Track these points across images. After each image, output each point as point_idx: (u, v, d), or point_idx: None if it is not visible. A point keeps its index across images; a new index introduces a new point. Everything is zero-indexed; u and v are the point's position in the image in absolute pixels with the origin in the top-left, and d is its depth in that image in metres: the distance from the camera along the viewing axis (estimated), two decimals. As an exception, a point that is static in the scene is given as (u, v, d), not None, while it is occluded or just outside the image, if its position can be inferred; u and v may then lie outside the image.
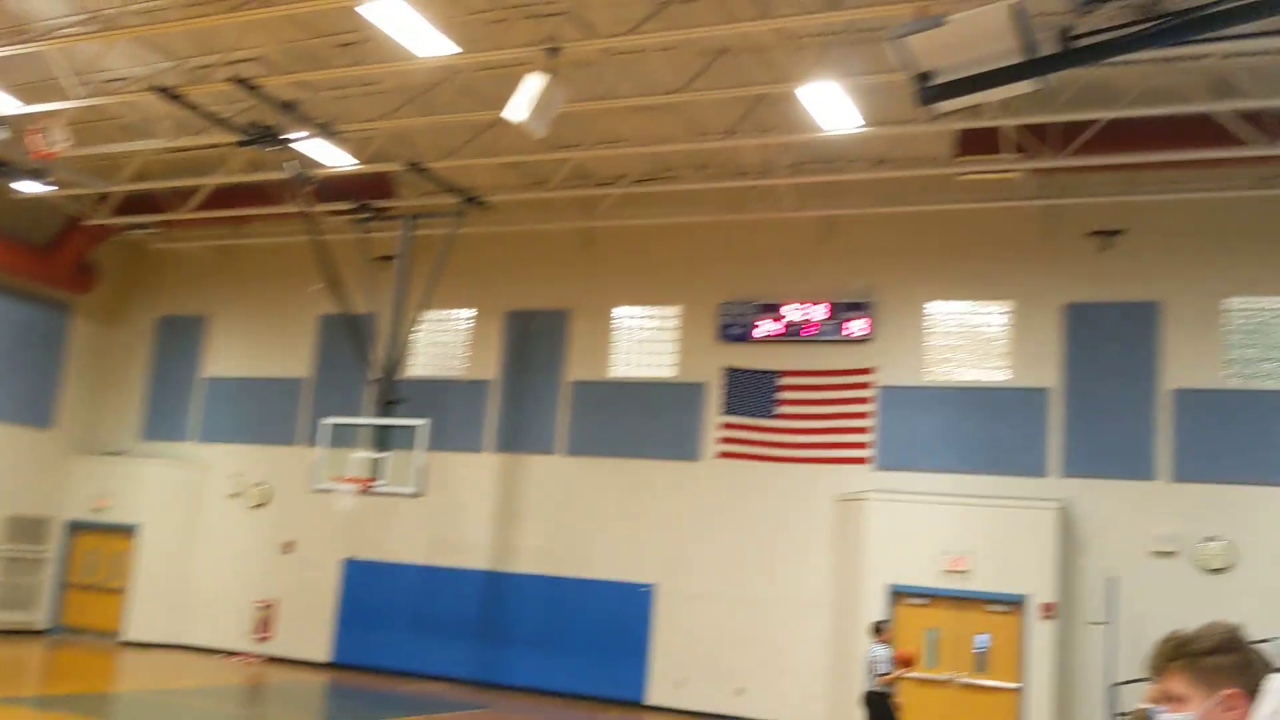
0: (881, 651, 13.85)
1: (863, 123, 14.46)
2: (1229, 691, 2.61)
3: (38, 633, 22.74)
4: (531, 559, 20.16)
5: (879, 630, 14.23)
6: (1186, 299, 16.85)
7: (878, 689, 13.74)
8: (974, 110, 13.31)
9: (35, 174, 18.22)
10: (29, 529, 22.87)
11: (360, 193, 19.07)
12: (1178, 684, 2.63)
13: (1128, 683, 15.29)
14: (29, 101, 15.95)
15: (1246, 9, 6.86)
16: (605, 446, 20.05)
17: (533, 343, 20.99)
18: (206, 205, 20.51)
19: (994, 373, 17.92)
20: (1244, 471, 16.10)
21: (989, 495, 16.93)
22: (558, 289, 20.94)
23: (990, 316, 18.15)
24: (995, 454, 17.42)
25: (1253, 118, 14.14)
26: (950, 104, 7.12)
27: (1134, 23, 8.73)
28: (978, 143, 15.67)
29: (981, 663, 16.34)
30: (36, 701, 15.16)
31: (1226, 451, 16.25)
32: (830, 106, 13.88)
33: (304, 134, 16.18)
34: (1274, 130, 14.10)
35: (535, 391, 20.77)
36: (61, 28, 14.35)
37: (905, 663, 14.31)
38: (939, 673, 16.47)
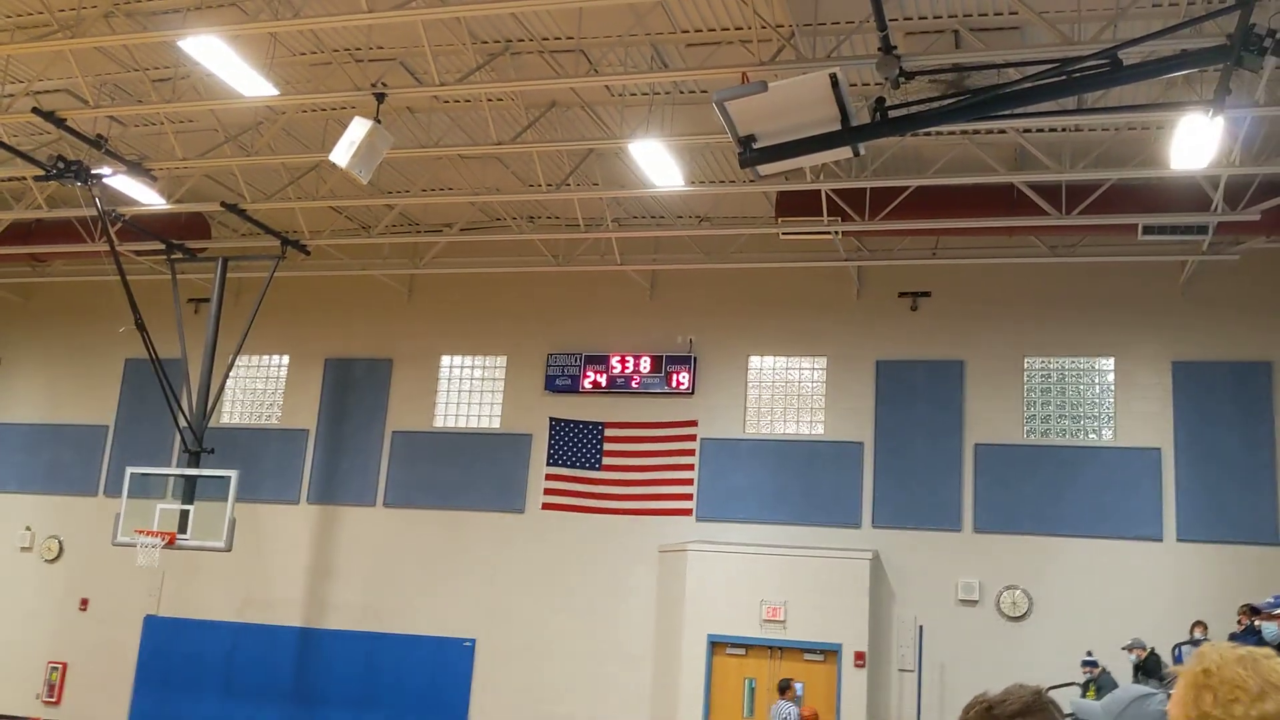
0: (790, 710, 14.21)
1: (686, 182, 14.80)
2: None
3: None
4: (348, 615, 19.52)
5: (784, 690, 14.57)
6: (988, 358, 17.78)
7: None
8: (794, 173, 13.81)
9: None
10: None
11: (174, 232, 18.32)
12: None
13: (935, 728, 15.84)
14: None
15: (1043, 89, 7.35)
16: (428, 498, 19.68)
17: (353, 391, 20.50)
18: (3, 240, 19.31)
19: (810, 426, 18.46)
20: (1039, 523, 17.01)
21: (805, 546, 17.35)
22: (381, 336, 20.55)
23: (807, 371, 18.72)
24: (811, 505, 17.89)
25: (1047, 190, 15.12)
26: (771, 167, 7.36)
27: (942, 97, 9.24)
28: (797, 204, 16.24)
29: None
30: None
31: (1023, 504, 17.14)
32: (656, 164, 14.15)
33: (112, 170, 15.46)
34: (1067, 202, 15.11)
35: (355, 441, 20.25)
36: None
37: None
38: (757, 722, 16.68)
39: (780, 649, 16.74)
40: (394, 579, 19.46)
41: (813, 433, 18.39)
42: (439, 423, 20.08)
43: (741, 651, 16.90)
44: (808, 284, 18.54)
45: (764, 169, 7.25)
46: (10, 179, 16.90)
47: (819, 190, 15.54)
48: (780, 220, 16.53)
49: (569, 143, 14.53)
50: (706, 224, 17.49)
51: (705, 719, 16.70)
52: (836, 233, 16.56)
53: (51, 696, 20.08)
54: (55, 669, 20.28)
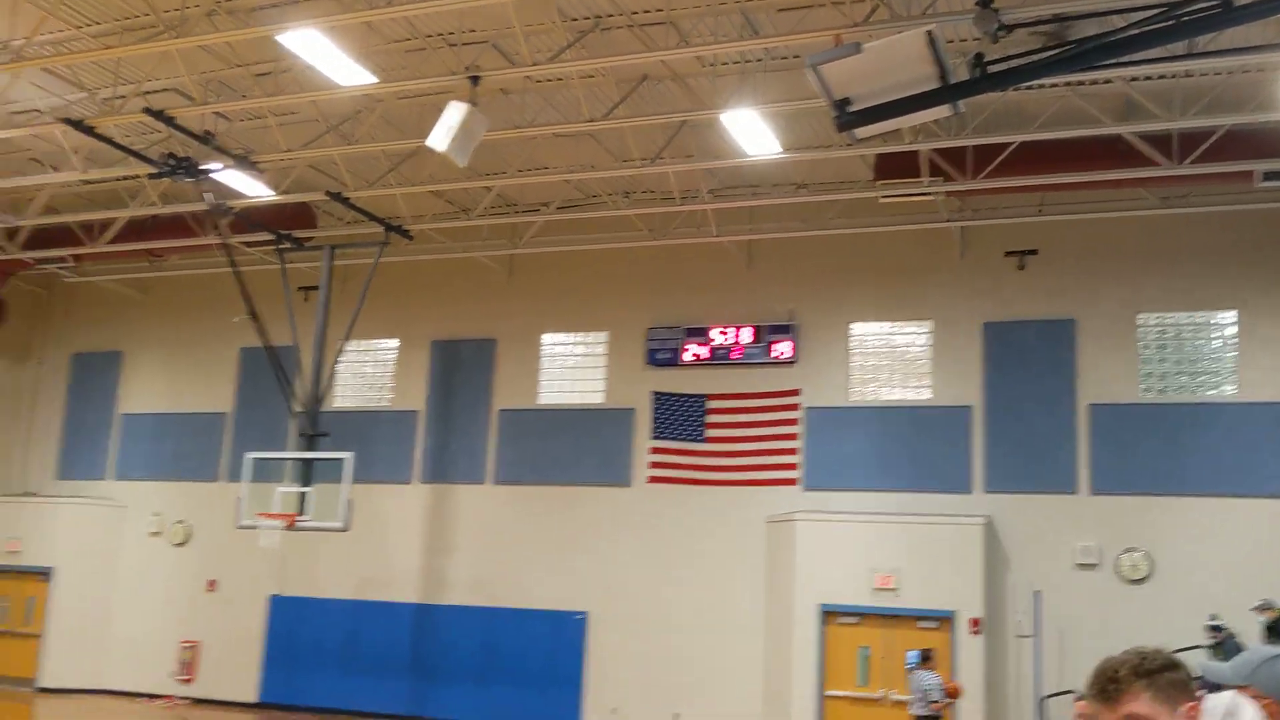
0: (932, 680, 14.25)
1: (781, 149, 14.65)
2: (1190, 705, 2.66)
3: (-53, 683, 21.94)
4: (462, 590, 19.93)
5: (926, 658, 14.51)
6: (1100, 315, 17.28)
7: (929, 714, 14.13)
8: (892, 134, 13.56)
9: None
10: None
11: (281, 223, 18.81)
12: (1141, 704, 2.64)
13: (1056, 695, 15.56)
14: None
15: (1151, 36, 7.08)
16: (535, 474, 19.95)
17: (459, 372, 20.85)
18: (121, 238, 20.05)
19: (917, 392, 18.20)
20: (1159, 483, 16.52)
21: (915, 513, 17.14)
22: (484, 317, 20.84)
23: (912, 336, 18.44)
24: (920, 472, 17.66)
25: (1157, 139, 14.59)
26: (868, 129, 7.23)
27: (1043, 49, 8.96)
28: (896, 166, 15.96)
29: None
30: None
31: (1142, 464, 16.66)
32: (750, 132, 14.03)
33: (220, 165, 15.93)
34: (1178, 151, 14.56)
35: (463, 421, 20.61)
36: (-34, 59, 13.98)
37: (953, 694, 14.71)
38: (871, 690, 16.59)
39: (893, 617, 16.61)
40: (506, 554, 19.80)
41: (919, 398, 18.13)
42: (543, 400, 20.31)
43: (854, 620, 16.81)
44: (909, 247, 18.24)
45: (861, 132, 7.14)
46: (125, 178, 17.50)
47: (918, 151, 15.25)
48: (879, 183, 16.27)
49: (661, 116, 14.48)
50: (803, 191, 17.29)
51: (819, 688, 16.68)
52: (938, 193, 16.24)
53: (186, 675, 20.94)
54: (188, 648, 21.14)
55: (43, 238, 20.80)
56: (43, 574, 22.00)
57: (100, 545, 22.28)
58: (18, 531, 22.35)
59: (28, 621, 21.94)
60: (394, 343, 21.49)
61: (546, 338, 20.54)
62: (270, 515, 16.80)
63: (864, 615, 16.78)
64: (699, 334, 19.25)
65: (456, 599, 19.91)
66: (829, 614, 16.88)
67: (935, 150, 15.25)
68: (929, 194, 16.11)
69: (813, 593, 16.96)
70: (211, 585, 21.50)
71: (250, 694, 20.67)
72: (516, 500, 19.99)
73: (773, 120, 14.02)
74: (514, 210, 18.81)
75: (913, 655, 14.87)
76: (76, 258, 21.37)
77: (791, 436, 18.47)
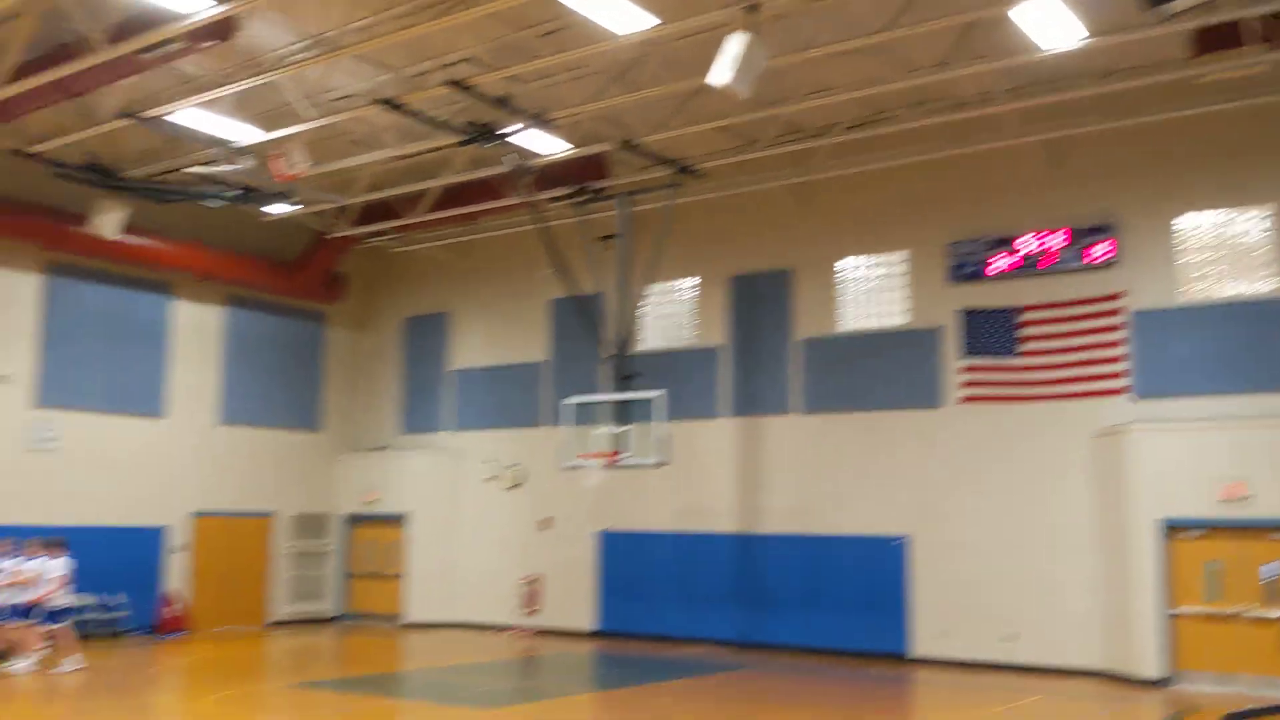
0: None
1: (1086, 35, 13.63)
2: None
3: (328, 620, 24.60)
4: (779, 519, 20.20)
5: None
6: None
7: None
8: (1208, 4, 12.32)
9: (281, 196, 19.51)
10: (312, 525, 24.74)
11: (577, 176, 19.49)
12: None
13: None
14: (268, 129, 17.09)
15: None
16: (842, 401, 19.83)
17: (759, 305, 20.97)
18: (437, 206, 21.46)
19: (1258, 284, 16.62)
20: None
21: (1263, 415, 15.75)
22: (779, 248, 20.83)
23: (1248, 224, 16.82)
24: (1266, 371, 16.17)
25: None
26: (1182, 1, 6.61)
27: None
28: (1216, 39, 14.48)
29: (1271, 593, 15.26)
30: (335, 684, 16.39)
31: None
32: (1048, 22, 13.15)
33: (518, 126, 16.68)
34: None
35: (765, 353, 20.75)
36: (289, 56, 15.28)
37: None
38: (1223, 607, 15.51)
39: (1245, 529, 15.40)
40: (819, 482, 19.86)
41: (1261, 291, 16.55)
42: (844, 326, 20.09)
43: (1199, 534, 15.73)
44: (1239, 127, 16.58)
45: (1174, 5, 6.54)
46: (435, 149, 18.64)
47: (1240, 19, 13.76)
48: (1198, 60, 14.83)
49: (948, 18, 13.79)
50: (1110, 80, 16.03)
51: (1163, 606, 15.76)
52: (1269, 64, 14.62)
53: (530, 607, 22.47)
54: (530, 583, 22.66)
55: (370, 213, 22.59)
56: (400, 520, 24.20)
57: (445, 491, 24.24)
58: (376, 483, 24.68)
59: (391, 564, 24.24)
60: (693, 281, 21.88)
61: (843, 263, 20.26)
62: (591, 455, 17.63)
63: (1211, 528, 15.66)
64: (1004, 244, 18.40)
65: (774, 528, 20.21)
66: (1172, 528, 15.87)
67: (1262, 15, 13.70)
68: (1257, 65, 14.54)
69: (1152, 507, 15.99)
70: (545, 523, 22.89)
71: (589, 623, 21.94)
72: (824, 429, 19.96)
73: (1071, 6, 13.07)
74: (801, 137, 18.55)
75: (1270, 569, 13.74)
76: (401, 229, 23.04)
77: (1116, 344, 17.37)
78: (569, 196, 19.76)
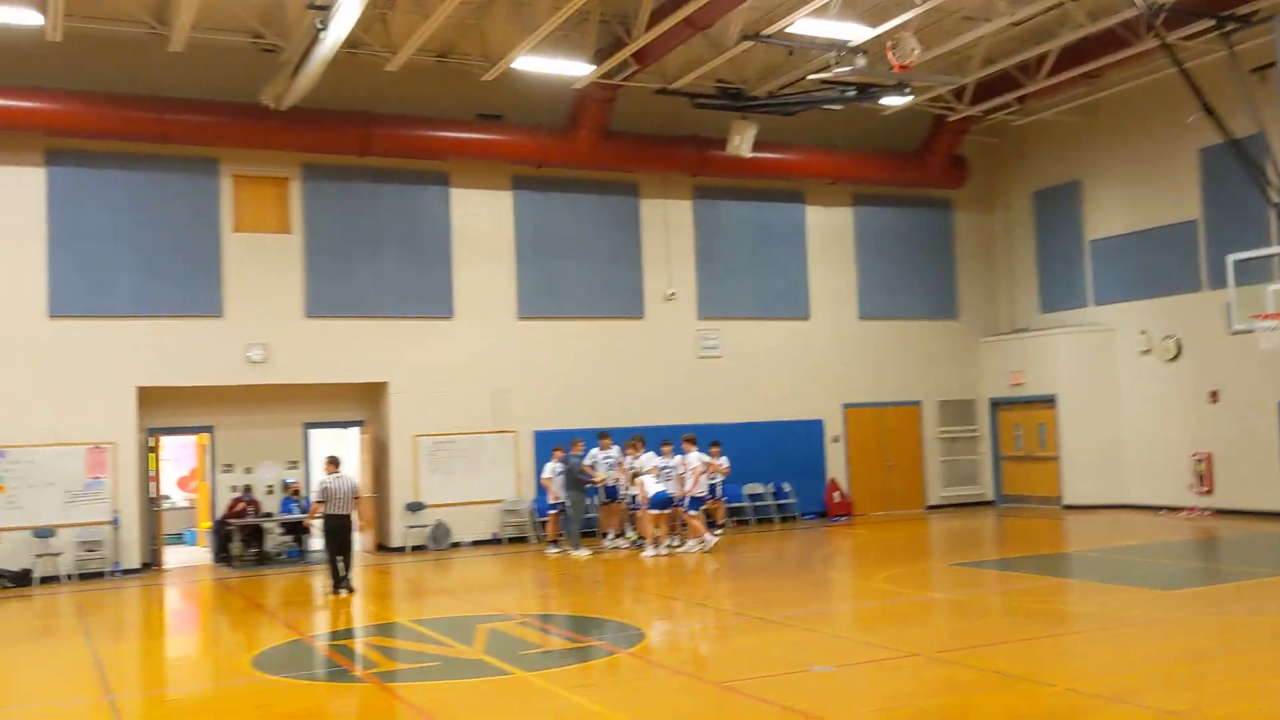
0: None
1: None
2: None
3: (985, 504, 24.78)
4: None
5: None
6: None
7: None
8: None
9: (896, 88, 19.57)
10: (958, 411, 24.97)
11: (1218, 3, 17.25)
12: None
13: None
14: (874, 24, 17.19)
15: None
16: None
17: None
18: (1057, 69, 20.24)
19: None
20: None
21: None
22: None
23: None
24: None
25: None
26: None
27: None
28: None
29: None
30: (996, 564, 16.52)
31: None
32: None
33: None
34: None
35: None
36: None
37: None
38: None
39: None
40: None
41: None
42: None
43: None
44: None
45: None
46: (1050, 9, 17.55)
47: None
48: None
49: None
50: None
51: None
52: None
53: (1202, 486, 20.79)
54: (1200, 460, 20.94)
55: (987, 89, 21.90)
56: (1047, 401, 23.57)
57: (1094, 369, 23.08)
58: (1019, 365, 24.24)
59: (1043, 446, 23.75)
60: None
61: None
62: (1266, 316, 15.73)
63: None
64: None
65: None
66: None
67: None
68: None
69: None
70: (1213, 396, 20.92)
71: (1274, 502, 19.75)
72: None
73: None
74: None
75: None
76: (1020, 100, 22.09)
77: None
78: (1211, 29, 17.55)
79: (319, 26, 15.13)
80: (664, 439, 19.01)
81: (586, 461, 18.92)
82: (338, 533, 14.95)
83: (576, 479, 18.66)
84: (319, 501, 15.01)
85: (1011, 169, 25.39)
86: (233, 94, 18.44)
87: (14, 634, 13.58)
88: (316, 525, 16.76)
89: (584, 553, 18.20)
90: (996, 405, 24.94)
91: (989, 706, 7.99)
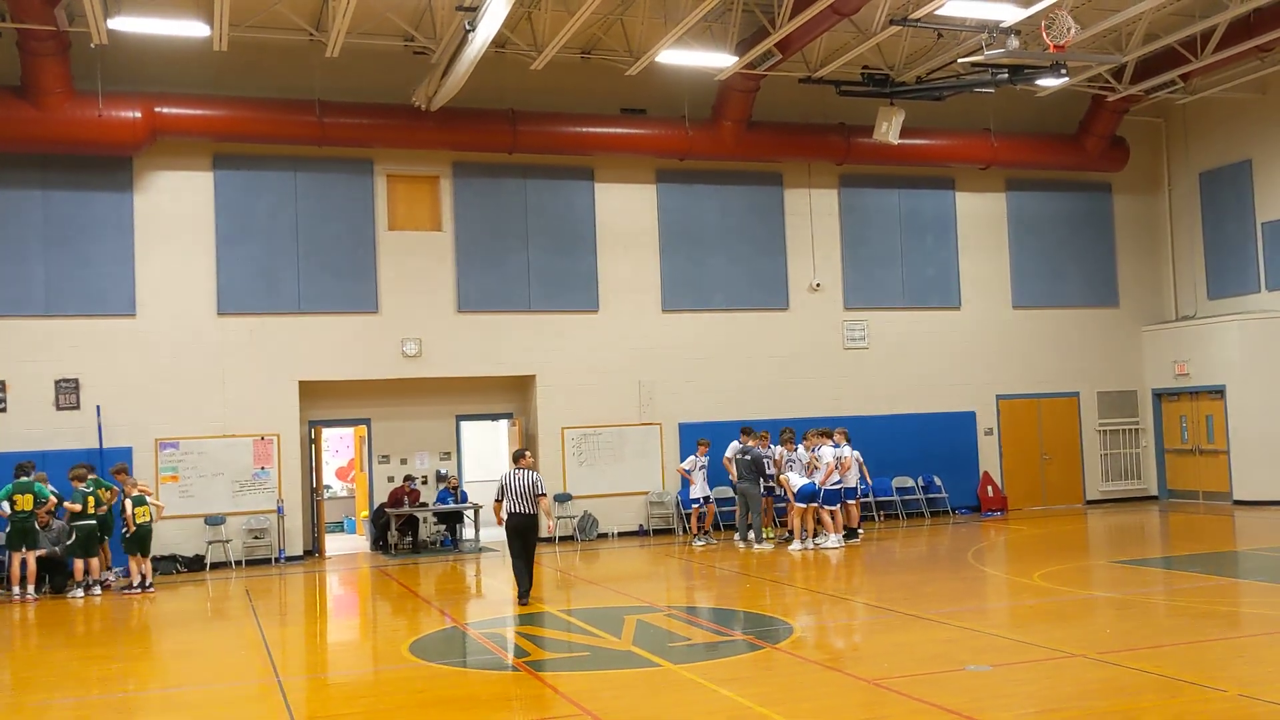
0: None
1: None
2: None
3: (1147, 499, 23.78)
4: None
5: None
6: None
7: None
8: None
9: (1051, 69, 18.89)
10: (1119, 402, 24.01)
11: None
12: None
13: None
14: (1027, 3, 16.61)
15: None
16: None
17: None
18: (1224, 43, 19.24)
19: None
20: None
21: None
22: None
23: None
24: None
25: None
26: None
27: None
28: None
29: None
30: (1160, 561, 15.84)
31: None
32: None
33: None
34: None
35: None
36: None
37: None
38: None
39: None
40: None
41: None
42: None
43: None
44: None
45: None
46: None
47: None
48: None
49: None
50: None
51: None
52: None
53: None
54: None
55: (1148, 67, 20.99)
56: (1215, 392, 22.47)
57: (1267, 358, 21.86)
58: (1184, 354, 23.16)
59: (1210, 439, 22.65)
60: None
61: None
62: None
63: None
64: None
65: None
66: None
67: None
68: None
69: None
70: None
71: None
72: None
73: None
74: None
75: None
76: (1184, 77, 21.09)
77: None
78: (1397, -5, 16.44)
79: (468, 28, 15.42)
80: (804, 431, 18.93)
81: (727, 454, 18.75)
82: (520, 533, 13.46)
83: (758, 468, 18.27)
84: (496, 500, 13.60)
85: (1175, 149, 24.26)
86: (386, 96, 19.00)
87: (189, 616, 14.31)
88: (488, 519, 16.42)
89: (767, 546, 18.06)
90: (1160, 396, 23.89)
91: (1156, 712, 7.66)
